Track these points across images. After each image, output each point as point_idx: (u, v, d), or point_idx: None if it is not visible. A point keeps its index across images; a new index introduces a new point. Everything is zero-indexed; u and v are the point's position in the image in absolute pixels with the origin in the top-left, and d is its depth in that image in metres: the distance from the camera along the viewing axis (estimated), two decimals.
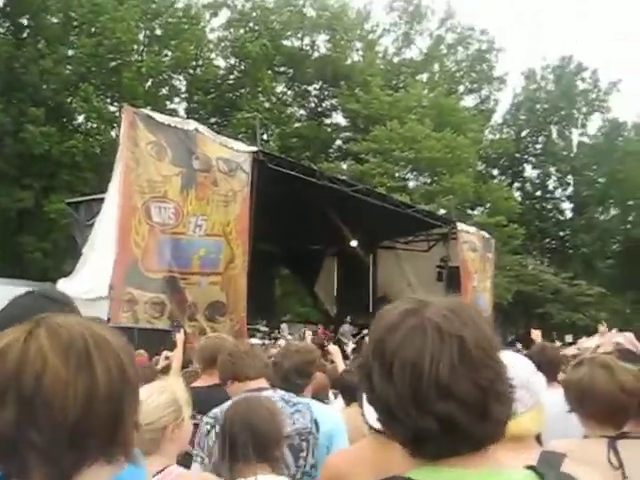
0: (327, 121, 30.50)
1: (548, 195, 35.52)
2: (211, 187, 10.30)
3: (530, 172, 36.02)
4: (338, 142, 30.20)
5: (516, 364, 1.54)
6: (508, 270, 27.05)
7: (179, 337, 4.63)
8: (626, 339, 4.46)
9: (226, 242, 10.50)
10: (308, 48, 28.72)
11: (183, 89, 26.74)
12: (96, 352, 0.89)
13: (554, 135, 35.37)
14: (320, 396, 3.62)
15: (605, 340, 4.85)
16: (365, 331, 16.79)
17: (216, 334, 4.07)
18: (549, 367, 3.15)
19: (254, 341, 10.34)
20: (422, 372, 0.88)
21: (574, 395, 2.08)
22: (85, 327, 0.92)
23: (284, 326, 17.10)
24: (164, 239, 9.80)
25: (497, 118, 35.90)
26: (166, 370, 4.54)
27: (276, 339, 15.56)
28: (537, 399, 1.65)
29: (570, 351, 5.43)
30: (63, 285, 8.63)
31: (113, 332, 0.96)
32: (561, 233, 34.96)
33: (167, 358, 4.96)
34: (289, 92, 29.70)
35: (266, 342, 13.28)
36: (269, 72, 26.43)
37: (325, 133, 29.30)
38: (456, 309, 0.96)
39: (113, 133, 22.03)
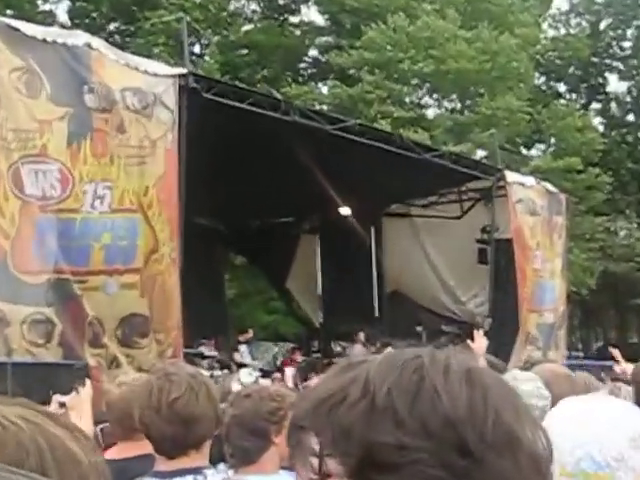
0: (294, 20, 30.46)
1: None
2: (116, 135, 10.27)
3: (616, 86, 36.72)
4: (312, 52, 30.20)
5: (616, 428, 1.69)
6: (588, 240, 27.36)
7: (82, 390, 4.65)
8: None
9: (144, 220, 10.51)
10: None
11: None
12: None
13: None
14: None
15: None
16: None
17: (132, 377, 4.21)
18: None
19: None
20: None
21: None
22: (39, 431, 0.95)
23: (244, 348, 17.28)
24: (46, 221, 9.75)
25: (561, 3, 36.17)
26: None
27: (228, 367, 15.75)
28: None
29: None
30: None
31: (78, 438, 1.01)
32: None
33: (62, 406, 5.03)
34: None
35: (216, 373, 13.41)
36: None
37: (292, 39, 29.31)
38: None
39: None
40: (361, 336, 17.53)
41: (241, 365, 16.04)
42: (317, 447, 1.05)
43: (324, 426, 1.04)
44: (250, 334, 17.67)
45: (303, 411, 1.10)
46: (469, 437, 0.98)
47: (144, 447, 3.23)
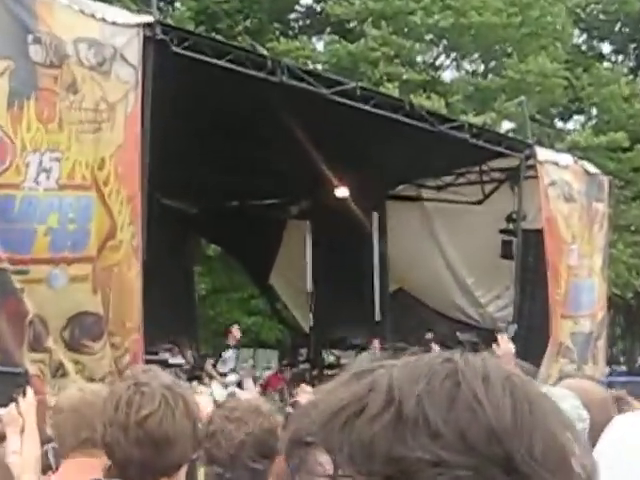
0: None
1: None
2: (66, 96, 10.23)
3: None
4: (306, 0, 30.16)
5: None
6: (634, 232, 27.32)
7: (23, 401, 4.63)
8: None
9: (99, 200, 10.51)
10: None
11: None
12: None
13: None
14: None
15: None
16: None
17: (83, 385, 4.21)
18: None
19: None
20: None
21: None
22: None
23: (229, 354, 17.06)
24: None
25: None
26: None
27: (197, 378, 15.69)
28: None
29: None
30: None
31: None
32: None
33: None
34: None
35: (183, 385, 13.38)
36: None
37: None
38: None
39: None
40: (376, 343, 17.43)
41: (221, 374, 15.90)
42: (329, 466, 1.05)
43: (338, 442, 1.03)
44: (237, 333, 17.28)
45: (309, 425, 1.10)
46: (516, 452, 0.98)
47: (92, 469, 3.18)
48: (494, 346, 6.93)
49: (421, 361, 1.08)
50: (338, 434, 1.03)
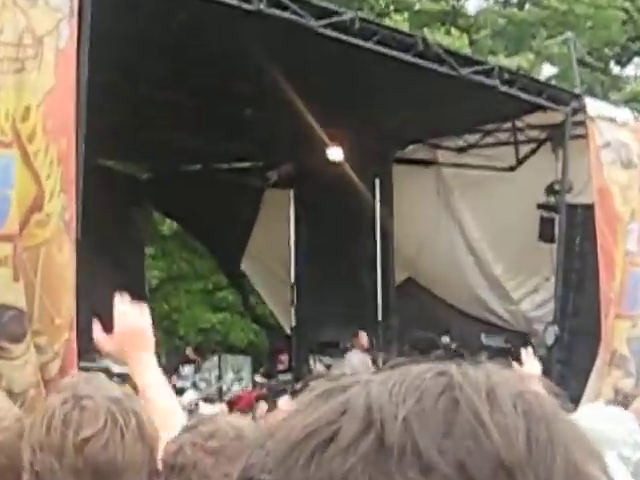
0: None
1: None
2: None
3: None
4: None
5: None
6: None
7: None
8: None
9: (22, 160, 10.51)
10: None
11: None
12: None
13: None
14: None
15: None
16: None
17: None
18: None
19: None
20: None
21: None
22: None
23: (187, 370, 17.01)
24: None
25: None
26: None
27: None
28: None
29: None
30: None
31: None
32: None
33: None
34: None
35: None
36: None
37: None
38: None
39: None
40: (362, 338, 17.52)
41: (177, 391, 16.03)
42: None
43: None
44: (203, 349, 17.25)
45: (263, 460, 1.07)
46: None
47: None
48: (515, 364, 6.91)
49: (407, 374, 1.06)
50: (301, 471, 1.00)
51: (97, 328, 4.79)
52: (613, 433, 3.80)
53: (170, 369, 16.77)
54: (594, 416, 3.95)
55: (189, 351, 17.43)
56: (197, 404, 14.68)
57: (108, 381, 3.20)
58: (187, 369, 16.95)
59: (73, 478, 2.84)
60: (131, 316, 4.79)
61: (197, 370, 17.26)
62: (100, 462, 2.84)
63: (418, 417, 0.98)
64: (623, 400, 7.17)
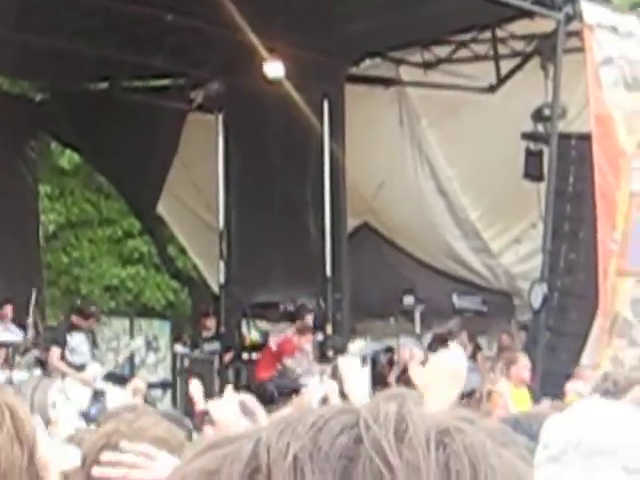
0: None
1: None
2: None
3: None
4: None
5: None
6: None
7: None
8: None
9: None
10: None
11: None
12: None
13: None
14: None
15: None
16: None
17: None
18: None
19: None
20: None
21: None
22: None
23: (79, 338, 17.10)
24: None
25: None
26: None
27: (43, 365, 15.64)
28: None
29: None
30: None
31: None
32: None
33: None
34: None
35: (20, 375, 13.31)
36: None
37: None
38: None
39: None
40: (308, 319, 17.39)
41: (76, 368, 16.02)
42: None
43: None
44: (94, 311, 17.73)
45: None
46: None
47: None
48: (412, 366, 6.42)
49: (307, 415, 1.16)
50: None
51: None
52: (614, 439, 3.54)
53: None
54: (589, 417, 3.66)
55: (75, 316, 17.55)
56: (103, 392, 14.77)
57: None
58: (77, 338, 17.08)
59: None
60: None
61: (90, 339, 17.47)
62: None
63: (311, 457, 1.10)
64: (613, 386, 6.75)
